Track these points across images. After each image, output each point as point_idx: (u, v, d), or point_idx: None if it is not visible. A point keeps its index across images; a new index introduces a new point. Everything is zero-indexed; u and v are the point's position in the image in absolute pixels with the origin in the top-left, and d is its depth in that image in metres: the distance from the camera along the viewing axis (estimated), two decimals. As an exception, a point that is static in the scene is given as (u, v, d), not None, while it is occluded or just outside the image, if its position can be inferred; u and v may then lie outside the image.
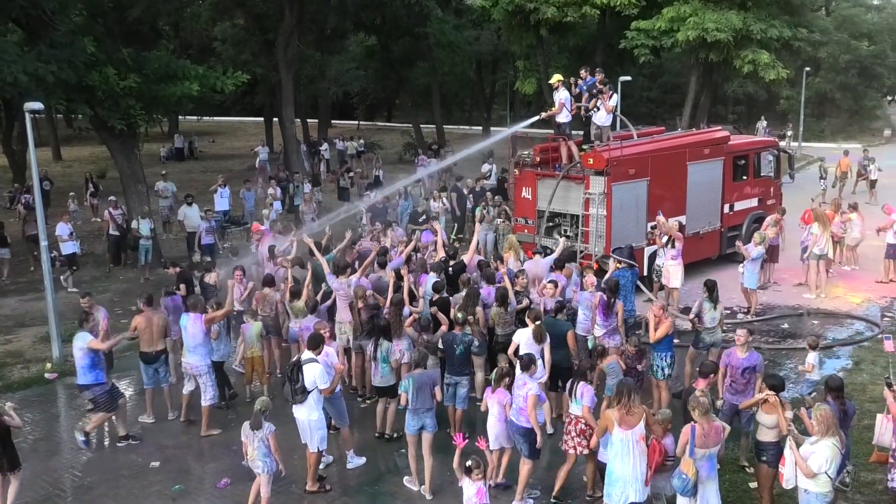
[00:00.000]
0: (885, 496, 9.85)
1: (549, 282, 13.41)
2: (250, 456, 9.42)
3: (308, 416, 10.19)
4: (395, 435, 11.44)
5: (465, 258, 14.61)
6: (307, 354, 10.35)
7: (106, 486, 10.72)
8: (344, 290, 13.04)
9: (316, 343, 10.50)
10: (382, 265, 14.27)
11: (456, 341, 11.55)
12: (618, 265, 14.44)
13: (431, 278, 13.63)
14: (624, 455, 8.40)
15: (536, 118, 18.78)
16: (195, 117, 55.07)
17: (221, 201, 24.53)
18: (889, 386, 9.54)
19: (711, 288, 12.86)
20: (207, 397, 12.00)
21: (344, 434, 10.88)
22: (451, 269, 14.16)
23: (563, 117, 17.83)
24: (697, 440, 8.25)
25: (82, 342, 11.50)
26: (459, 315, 11.79)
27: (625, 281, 13.83)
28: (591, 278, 13.57)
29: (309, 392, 10.12)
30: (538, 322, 11.45)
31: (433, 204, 23.08)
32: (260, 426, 9.33)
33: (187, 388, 12.31)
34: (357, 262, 14.51)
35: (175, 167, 39.27)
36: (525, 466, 9.83)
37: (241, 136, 54.94)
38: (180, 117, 49.52)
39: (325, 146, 39.61)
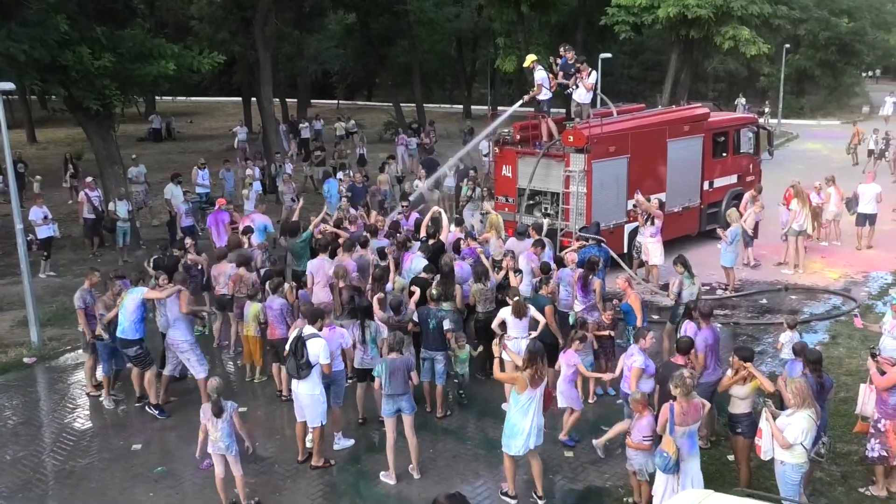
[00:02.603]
0: (860, 466, 10.07)
1: (506, 254, 13.58)
2: (213, 437, 9.28)
3: (311, 391, 10.23)
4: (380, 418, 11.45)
5: (442, 235, 14.68)
6: (309, 329, 10.36)
7: (88, 470, 10.73)
8: (323, 270, 13.03)
9: (316, 317, 10.58)
10: (364, 244, 14.33)
11: (430, 316, 11.67)
12: (583, 243, 14.62)
13: (417, 258, 13.71)
14: (527, 410, 9.13)
15: (521, 102, 18.73)
16: (171, 97, 54.57)
17: (202, 184, 24.41)
18: (873, 356, 9.71)
19: (684, 263, 13.02)
20: (197, 372, 11.97)
21: (335, 413, 10.88)
22: (429, 248, 14.23)
23: (543, 95, 17.87)
24: (677, 418, 8.38)
25: (138, 294, 11.79)
26: (434, 291, 11.87)
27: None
28: (571, 255, 13.72)
29: (313, 367, 10.17)
30: (517, 297, 11.60)
31: (417, 183, 23.05)
32: (222, 410, 9.23)
33: (168, 369, 12.31)
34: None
35: (152, 148, 38.99)
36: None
37: (220, 116, 54.52)
38: (157, 98, 49.02)
39: (305, 125, 39.39)
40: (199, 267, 14.68)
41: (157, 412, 12.07)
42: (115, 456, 11.07)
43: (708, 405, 8.80)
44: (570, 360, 10.65)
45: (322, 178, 24.46)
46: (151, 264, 14.32)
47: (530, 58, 18.26)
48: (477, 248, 13.98)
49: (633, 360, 10.12)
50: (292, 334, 10.48)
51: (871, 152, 29.94)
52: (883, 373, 9.37)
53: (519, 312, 11.46)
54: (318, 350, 10.19)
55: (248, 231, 15.72)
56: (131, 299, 11.72)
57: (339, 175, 24.50)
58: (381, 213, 18.38)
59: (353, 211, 17.32)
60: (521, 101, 18.79)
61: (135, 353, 11.88)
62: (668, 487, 8.52)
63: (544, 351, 9.47)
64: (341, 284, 12.76)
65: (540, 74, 17.74)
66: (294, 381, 10.35)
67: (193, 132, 47.62)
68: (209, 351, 14.41)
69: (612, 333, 12.42)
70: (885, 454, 9.43)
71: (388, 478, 10.22)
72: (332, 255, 13.55)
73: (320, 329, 10.46)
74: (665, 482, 8.57)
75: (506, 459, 9.56)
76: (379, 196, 21.11)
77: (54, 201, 24.91)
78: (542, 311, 11.85)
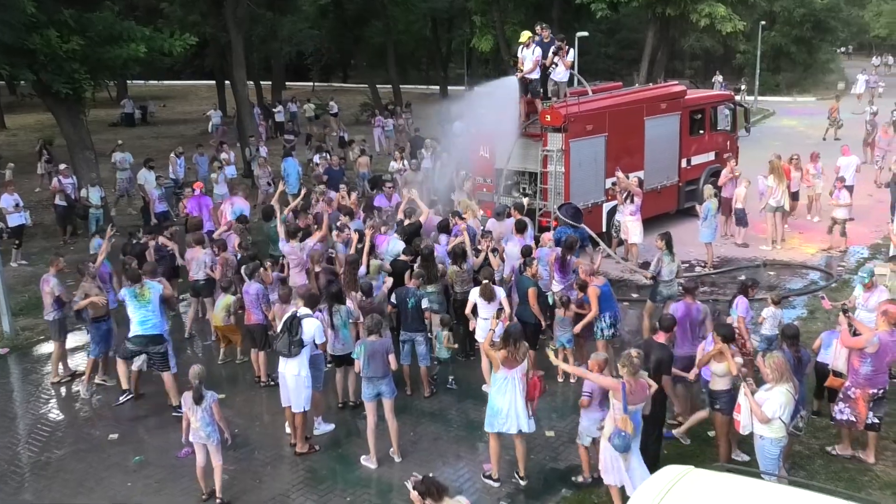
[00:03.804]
0: (838, 438, 10.18)
1: (484, 234, 13.56)
2: (194, 426, 9.24)
3: (298, 371, 10.19)
4: (358, 401, 11.39)
5: (422, 218, 14.65)
6: (305, 309, 10.38)
7: (64, 461, 10.63)
8: (296, 254, 12.98)
9: (314, 301, 10.63)
10: (341, 228, 14.29)
11: (408, 295, 11.65)
12: (556, 223, 14.65)
13: (394, 239, 13.69)
14: (504, 390, 9.21)
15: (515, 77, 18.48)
16: (143, 81, 54.01)
17: (178, 169, 24.21)
18: (845, 311, 9.87)
19: (668, 241, 13.04)
20: (168, 365, 11.91)
21: (315, 398, 10.80)
22: (406, 228, 14.21)
23: (535, 74, 17.70)
24: (627, 396, 8.42)
25: (159, 289, 11.61)
26: (417, 271, 11.86)
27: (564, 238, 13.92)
28: (547, 234, 13.72)
29: (305, 346, 10.15)
30: (486, 280, 11.62)
31: (393, 164, 22.96)
32: (202, 397, 9.19)
33: (136, 364, 12.14)
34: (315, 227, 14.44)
35: (125, 133, 38.56)
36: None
37: (193, 99, 54.06)
38: (128, 82, 48.50)
39: (279, 108, 39.14)
40: (169, 250, 14.59)
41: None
42: (92, 446, 10.97)
43: (653, 386, 8.79)
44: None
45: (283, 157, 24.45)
46: (122, 250, 14.21)
47: (526, 34, 18.10)
48: (462, 227, 13.97)
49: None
50: (287, 313, 10.45)
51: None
52: (856, 333, 9.55)
53: (487, 294, 11.48)
54: (313, 330, 10.23)
55: (243, 220, 15.66)
56: (156, 295, 11.46)
57: (316, 158, 24.38)
58: (360, 196, 18.32)
59: (332, 194, 17.20)
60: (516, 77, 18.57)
61: (164, 351, 11.60)
62: (614, 461, 8.58)
63: (522, 333, 9.48)
64: (317, 269, 12.70)
65: (536, 51, 17.59)
66: (281, 362, 10.31)
67: (167, 116, 47.20)
68: (182, 340, 14.47)
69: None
70: (853, 419, 9.67)
71: (369, 462, 10.20)
72: (302, 240, 13.44)
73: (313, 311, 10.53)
74: (609, 455, 8.60)
75: (491, 440, 9.56)
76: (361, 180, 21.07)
77: (25, 188, 24.55)
78: (525, 293, 11.88)
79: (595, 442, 9.16)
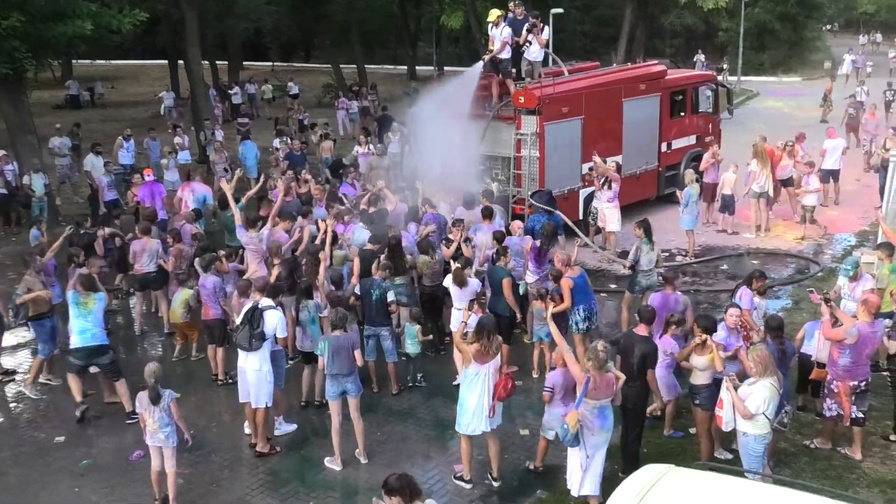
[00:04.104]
0: (819, 432, 10.32)
1: (455, 223, 13.58)
2: (150, 428, 9.15)
3: (259, 366, 10.15)
4: (323, 401, 11.33)
5: (389, 206, 14.62)
6: (266, 301, 10.35)
7: (4, 465, 10.50)
8: (254, 244, 12.93)
9: (276, 292, 10.61)
10: (305, 215, 14.22)
11: (373, 287, 11.63)
12: (529, 210, 14.71)
13: (359, 229, 13.66)
14: (474, 387, 9.19)
15: (482, 62, 18.42)
16: (90, 61, 53.31)
17: (126, 154, 23.96)
18: (827, 301, 9.99)
19: (647, 228, 13.11)
20: (119, 374, 11.79)
21: (276, 396, 10.74)
22: (371, 216, 14.20)
23: (505, 53, 17.69)
24: (588, 392, 8.48)
25: (104, 301, 11.46)
26: (384, 262, 11.85)
27: (539, 227, 13.89)
28: (517, 223, 13.77)
29: (266, 339, 10.12)
30: (457, 266, 11.70)
31: (357, 149, 22.87)
32: (160, 397, 9.09)
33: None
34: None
35: (71, 116, 37.99)
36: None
37: (144, 80, 53.46)
38: (74, 61, 47.86)
39: (236, 90, 38.86)
40: (119, 244, 14.49)
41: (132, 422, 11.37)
42: (36, 449, 10.83)
43: (622, 378, 8.83)
44: (667, 347, 10.14)
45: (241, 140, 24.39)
46: (68, 241, 14.05)
47: (495, 13, 18.04)
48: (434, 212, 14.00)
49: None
50: (246, 305, 10.40)
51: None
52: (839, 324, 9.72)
53: (458, 280, 11.56)
54: (275, 322, 10.21)
55: (198, 213, 15.54)
56: (100, 306, 11.31)
57: (276, 142, 24.25)
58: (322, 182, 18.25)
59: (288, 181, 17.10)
60: (481, 63, 18.50)
61: (110, 361, 11.48)
62: (577, 461, 8.68)
63: (496, 325, 9.48)
64: (276, 261, 12.65)
65: (506, 31, 17.56)
66: (241, 357, 10.27)
67: (116, 98, 46.64)
68: (133, 337, 14.39)
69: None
70: (841, 413, 9.81)
71: (333, 464, 10.17)
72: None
73: (277, 304, 10.50)
74: (575, 457, 8.71)
75: (462, 440, 9.59)
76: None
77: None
78: (499, 284, 11.92)
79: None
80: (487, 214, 13.93)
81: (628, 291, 13.39)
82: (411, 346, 12.04)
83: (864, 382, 9.74)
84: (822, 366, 10.20)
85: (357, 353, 9.98)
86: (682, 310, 10.83)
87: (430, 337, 12.35)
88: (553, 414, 9.39)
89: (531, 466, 9.95)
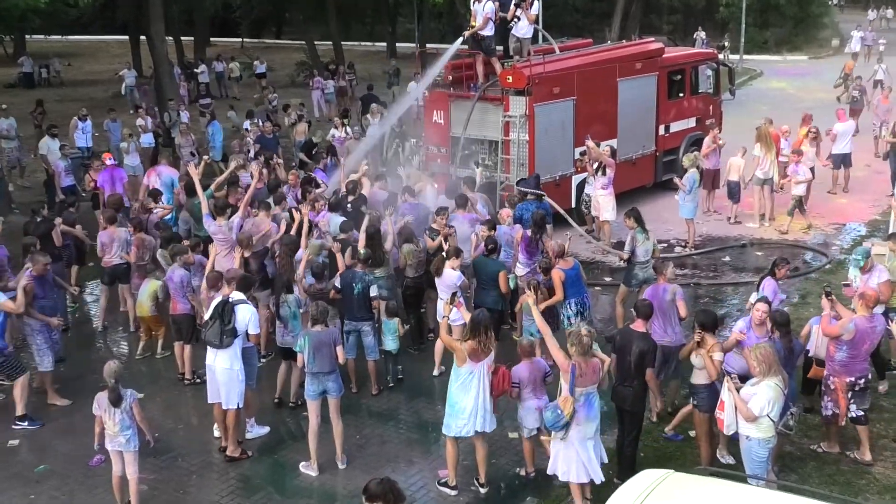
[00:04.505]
0: (825, 435, 10.36)
1: (438, 212, 13.60)
2: (110, 431, 9.10)
3: (230, 364, 10.12)
4: (299, 402, 11.38)
5: (366, 191, 14.60)
6: (237, 295, 10.32)
7: (-47, 472, 10.45)
8: (223, 234, 12.88)
9: (247, 285, 10.59)
10: (278, 202, 14.21)
11: (355, 279, 11.61)
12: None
13: (334, 216, 13.64)
14: (469, 387, 9.21)
15: (461, 39, 18.42)
16: (44, 36, 52.94)
17: (82, 136, 23.81)
18: (827, 294, 10.05)
19: (638, 217, 13.13)
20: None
21: (248, 396, 10.70)
22: (349, 204, 14.17)
23: (488, 30, 17.67)
24: (577, 378, 8.57)
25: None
26: (362, 253, 11.83)
27: (528, 215, 13.90)
28: (506, 210, 13.75)
29: (238, 336, 10.09)
30: (441, 255, 11.80)
31: (334, 132, 22.81)
32: (121, 398, 9.05)
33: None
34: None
35: (24, 96, 37.75)
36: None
37: (103, 57, 53.07)
38: (28, 36, 47.51)
39: (202, 68, 38.65)
40: (75, 237, 14.45)
41: (26, 423, 11.42)
42: (-12, 455, 10.80)
43: (607, 361, 9.01)
44: None
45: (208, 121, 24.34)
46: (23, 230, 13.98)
47: None
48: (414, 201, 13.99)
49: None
50: (216, 299, 10.39)
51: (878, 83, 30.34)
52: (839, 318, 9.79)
53: (435, 269, 11.74)
54: (247, 317, 10.19)
55: (155, 194, 15.45)
56: None
57: (247, 124, 24.15)
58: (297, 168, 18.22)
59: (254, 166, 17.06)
60: (461, 39, 18.49)
61: (2, 360, 11.41)
62: (563, 453, 8.79)
63: (490, 321, 9.48)
64: (247, 254, 12.62)
65: (488, 6, 17.54)
66: (210, 355, 10.25)
67: (73, 77, 46.31)
68: (94, 333, 14.35)
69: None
70: (837, 412, 9.90)
71: (308, 469, 10.16)
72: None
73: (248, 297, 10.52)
74: (558, 448, 8.82)
75: (448, 443, 9.59)
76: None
77: None
78: (493, 277, 12.01)
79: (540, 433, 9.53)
80: (461, 203, 13.97)
81: (624, 285, 13.39)
82: (391, 342, 12.04)
83: (862, 379, 9.80)
84: (821, 363, 10.26)
85: (339, 350, 10.01)
86: (671, 298, 10.81)
87: (407, 327, 12.39)
88: (527, 408, 9.53)
89: (522, 472, 9.97)
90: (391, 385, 12.20)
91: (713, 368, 9.35)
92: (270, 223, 13.33)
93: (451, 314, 10.00)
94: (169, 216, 15.26)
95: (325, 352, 9.87)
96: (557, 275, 11.79)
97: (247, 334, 10.36)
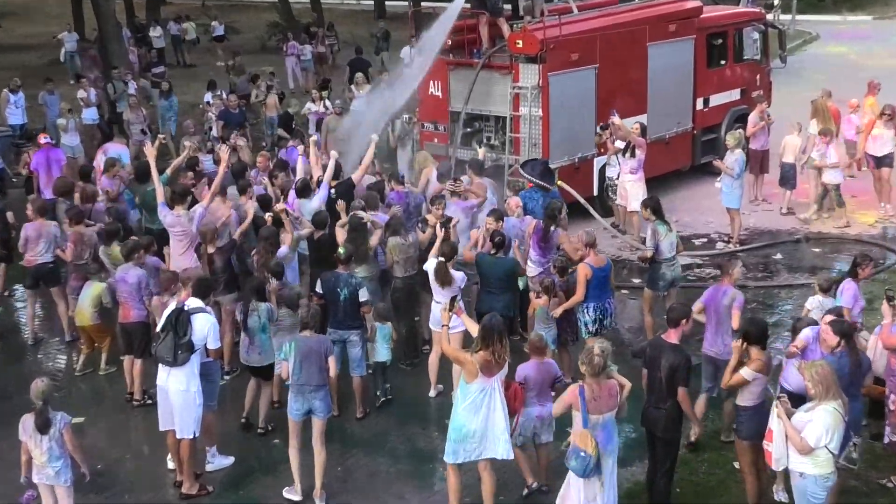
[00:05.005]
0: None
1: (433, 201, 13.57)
2: (38, 462, 9.04)
3: (186, 385, 10.00)
4: (270, 427, 11.38)
5: (354, 176, 14.54)
6: (194, 301, 10.24)
7: None
8: (182, 226, 12.84)
9: (205, 290, 10.53)
10: (243, 190, 14.21)
11: (339, 283, 11.54)
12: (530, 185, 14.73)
13: (305, 204, 13.71)
14: (480, 406, 9.05)
15: None
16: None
17: (15, 112, 23.80)
18: (890, 300, 9.99)
19: (656, 207, 13.09)
20: None
21: (207, 421, 10.61)
22: (332, 191, 14.15)
23: None
24: (588, 404, 8.45)
25: None
26: (342, 251, 11.74)
27: (533, 205, 13.89)
28: (514, 199, 13.64)
29: (195, 350, 9.99)
30: (440, 260, 11.64)
31: (310, 106, 22.77)
32: (48, 423, 8.96)
33: None
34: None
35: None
36: None
37: (39, 18, 53.00)
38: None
39: (157, 31, 38.60)
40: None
41: None
42: None
43: (627, 386, 8.87)
44: None
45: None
46: None
47: None
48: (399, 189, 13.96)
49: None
50: (170, 306, 10.34)
51: None
52: None
53: (442, 279, 11.53)
54: (206, 329, 10.08)
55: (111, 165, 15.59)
56: None
57: (208, 97, 24.12)
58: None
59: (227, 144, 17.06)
60: None
61: None
62: (585, 492, 8.67)
63: (504, 327, 9.34)
64: (210, 249, 12.59)
65: None
66: (162, 374, 10.16)
67: (4, 40, 46.26)
68: (24, 346, 14.34)
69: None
70: None
71: (291, 493, 10.18)
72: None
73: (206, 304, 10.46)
74: (581, 487, 8.67)
75: (449, 473, 9.49)
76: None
77: None
78: (504, 278, 11.98)
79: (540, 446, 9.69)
80: (455, 193, 14.01)
81: (649, 289, 13.29)
82: (384, 352, 12.00)
83: None
84: (880, 381, 10.16)
85: (331, 361, 10.02)
86: (728, 304, 10.75)
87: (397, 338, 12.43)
88: (526, 414, 9.56)
89: (524, 492, 9.99)
90: (380, 404, 12.14)
91: (737, 381, 9.21)
92: (231, 211, 13.29)
93: (452, 323, 9.93)
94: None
95: (315, 362, 9.84)
96: (584, 271, 11.74)
97: (206, 348, 10.28)
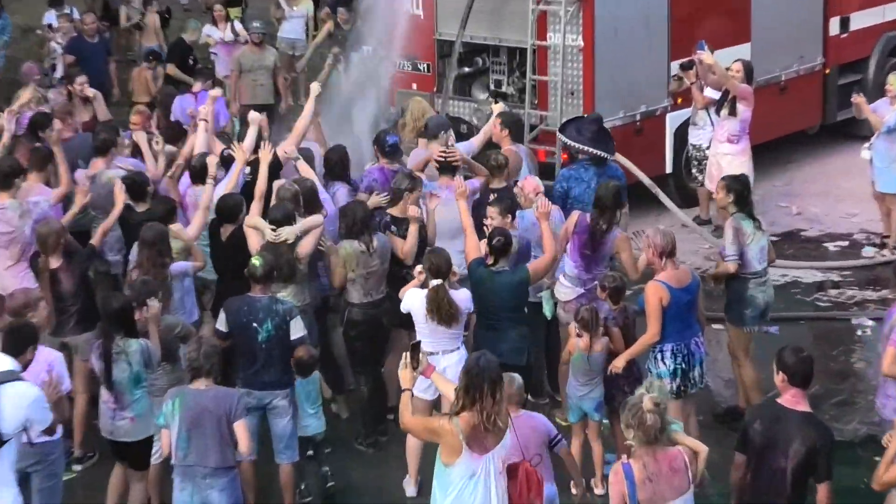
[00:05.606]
0: None
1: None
2: None
3: None
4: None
5: (282, 149, 14.57)
6: (3, 362, 9.77)
7: None
8: (8, 223, 13.05)
9: (22, 340, 10.20)
10: (102, 152, 14.63)
11: (254, 315, 11.44)
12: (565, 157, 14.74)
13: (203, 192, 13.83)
14: (468, 498, 8.94)
15: None
16: None
17: None
18: None
19: (741, 191, 12.99)
20: None
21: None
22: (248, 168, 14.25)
23: None
24: (639, 485, 8.41)
25: None
26: (257, 263, 11.62)
27: (581, 189, 13.87)
28: (530, 181, 13.55)
29: (5, 441, 9.71)
30: (438, 282, 11.44)
31: (212, 32, 22.89)
32: None
33: None
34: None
35: None
36: None
37: None
38: None
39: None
40: None
41: None
42: None
43: (702, 451, 8.97)
44: None
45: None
46: None
47: None
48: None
49: None
50: None
51: None
52: None
53: (437, 311, 11.40)
54: (22, 406, 9.69)
55: None
56: None
57: (51, 16, 24.48)
58: None
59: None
60: None
61: None
62: None
63: (499, 374, 9.19)
64: (54, 263, 12.57)
65: None
66: None
67: None
68: None
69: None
70: None
71: None
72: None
73: (26, 365, 10.10)
74: None
75: None
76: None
77: None
78: (512, 300, 11.92)
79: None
80: (446, 169, 13.88)
81: (732, 325, 13.20)
82: (312, 421, 11.95)
83: None
84: None
85: (241, 428, 9.91)
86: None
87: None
88: None
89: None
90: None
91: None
92: (86, 199, 13.48)
93: (418, 384, 9.87)
94: None
95: (211, 431, 9.86)
96: (657, 292, 11.57)
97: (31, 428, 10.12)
